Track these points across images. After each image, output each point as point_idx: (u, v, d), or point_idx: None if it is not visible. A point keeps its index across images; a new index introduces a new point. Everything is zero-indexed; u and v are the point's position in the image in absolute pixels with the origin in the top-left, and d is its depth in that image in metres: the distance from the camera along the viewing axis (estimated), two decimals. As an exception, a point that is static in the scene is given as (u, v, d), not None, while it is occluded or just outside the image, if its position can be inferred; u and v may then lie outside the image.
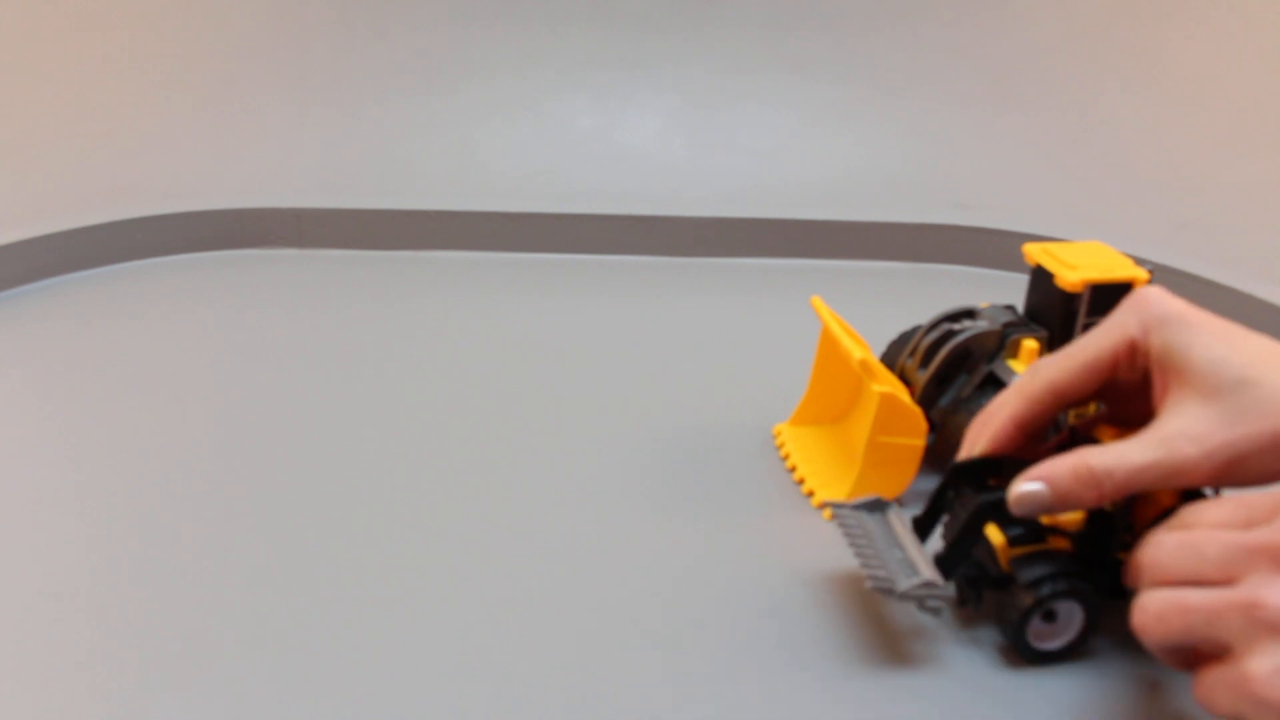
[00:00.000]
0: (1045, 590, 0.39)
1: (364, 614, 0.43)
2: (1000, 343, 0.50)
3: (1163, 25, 0.89)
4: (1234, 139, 0.87)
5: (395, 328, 0.69)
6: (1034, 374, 0.40)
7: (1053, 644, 0.40)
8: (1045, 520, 0.40)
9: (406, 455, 0.54)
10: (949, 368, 0.50)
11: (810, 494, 0.51)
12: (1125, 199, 0.86)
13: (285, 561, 0.46)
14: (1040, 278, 0.51)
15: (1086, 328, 0.49)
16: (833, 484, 0.51)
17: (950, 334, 0.51)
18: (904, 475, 0.50)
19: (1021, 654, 0.40)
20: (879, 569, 0.41)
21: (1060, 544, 0.40)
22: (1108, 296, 0.49)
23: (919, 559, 0.41)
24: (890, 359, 0.54)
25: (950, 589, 0.40)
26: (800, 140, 0.93)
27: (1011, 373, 0.49)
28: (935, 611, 0.40)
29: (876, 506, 0.45)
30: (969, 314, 0.52)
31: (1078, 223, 0.75)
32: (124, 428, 0.56)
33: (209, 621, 0.42)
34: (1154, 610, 0.32)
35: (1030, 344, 0.49)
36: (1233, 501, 0.33)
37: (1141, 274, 0.49)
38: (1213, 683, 0.31)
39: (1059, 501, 0.37)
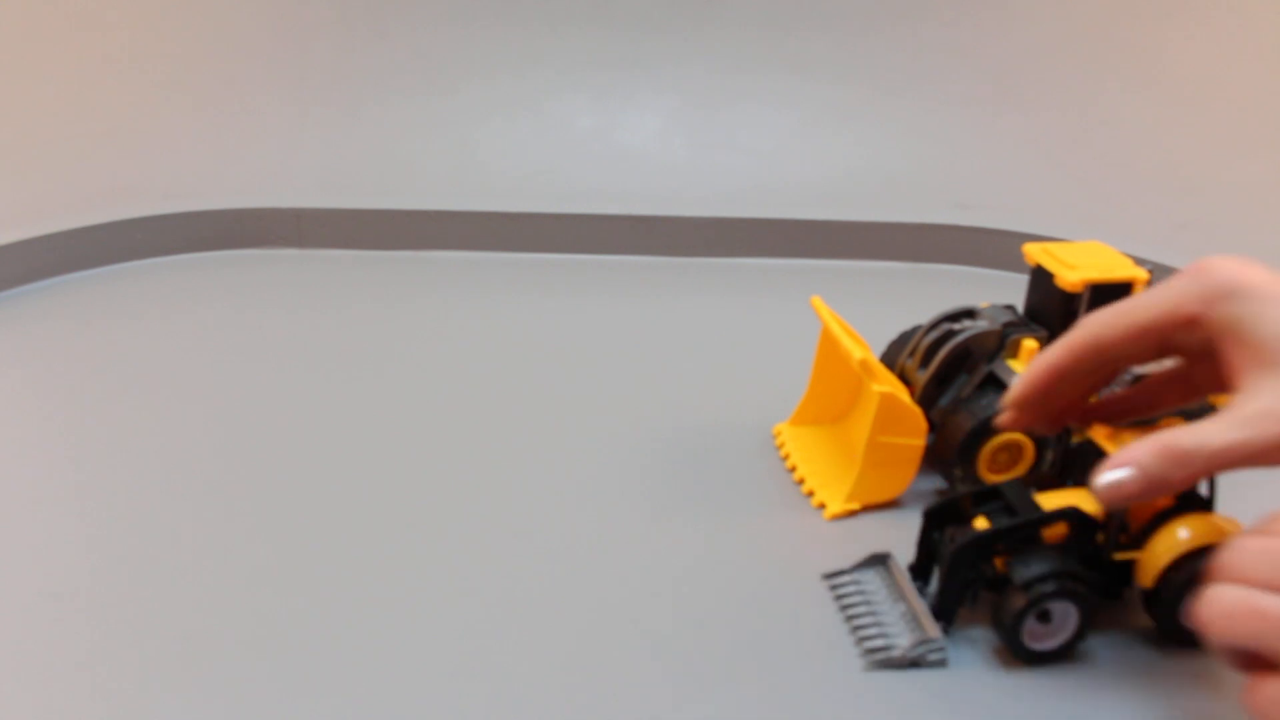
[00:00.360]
0: (1039, 590, 0.39)
1: (364, 614, 0.43)
2: (1000, 343, 0.50)
3: (1163, 25, 0.89)
4: (1234, 139, 0.87)
5: (395, 328, 0.69)
6: (1082, 326, 0.39)
7: (1047, 644, 0.40)
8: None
9: (407, 455, 0.54)
10: (949, 368, 0.50)
11: (810, 494, 0.51)
12: (1125, 199, 0.86)
13: (285, 561, 0.46)
14: (1040, 278, 0.51)
15: None
16: (833, 484, 0.51)
17: (950, 334, 0.51)
18: (904, 475, 0.50)
19: (1016, 654, 0.40)
20: (876, 638, 0.41)
21: (1054, 541, 0.40)
22: (1108, 296, 0.49)
23: (921, 612, 0.41)
24: (890, 359, 0.54)
25: (944, 642, 0.40)
26: (800, 140, 0.93)
27: (1011, 373, 0.49)
28: (939, 664, 0.40)
29: (876, 561, 0.44)
30: (969, 314, 0.52)
31: (1078, 223, 0.75)
32: (124, 428, 0.56)
33: (209, 621, 0.42)
34: (1224, 606, 0.31)
35: (1030, 344, 0.49)
36: None
37: (1141, 274, 0.49)
38: (1273, 695, 0.30)
39: (1148, 485, 0.35)
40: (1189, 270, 0.36)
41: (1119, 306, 0.38)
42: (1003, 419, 0.42)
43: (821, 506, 0.50)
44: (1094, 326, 0.38)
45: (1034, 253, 0.51)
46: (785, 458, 0.54)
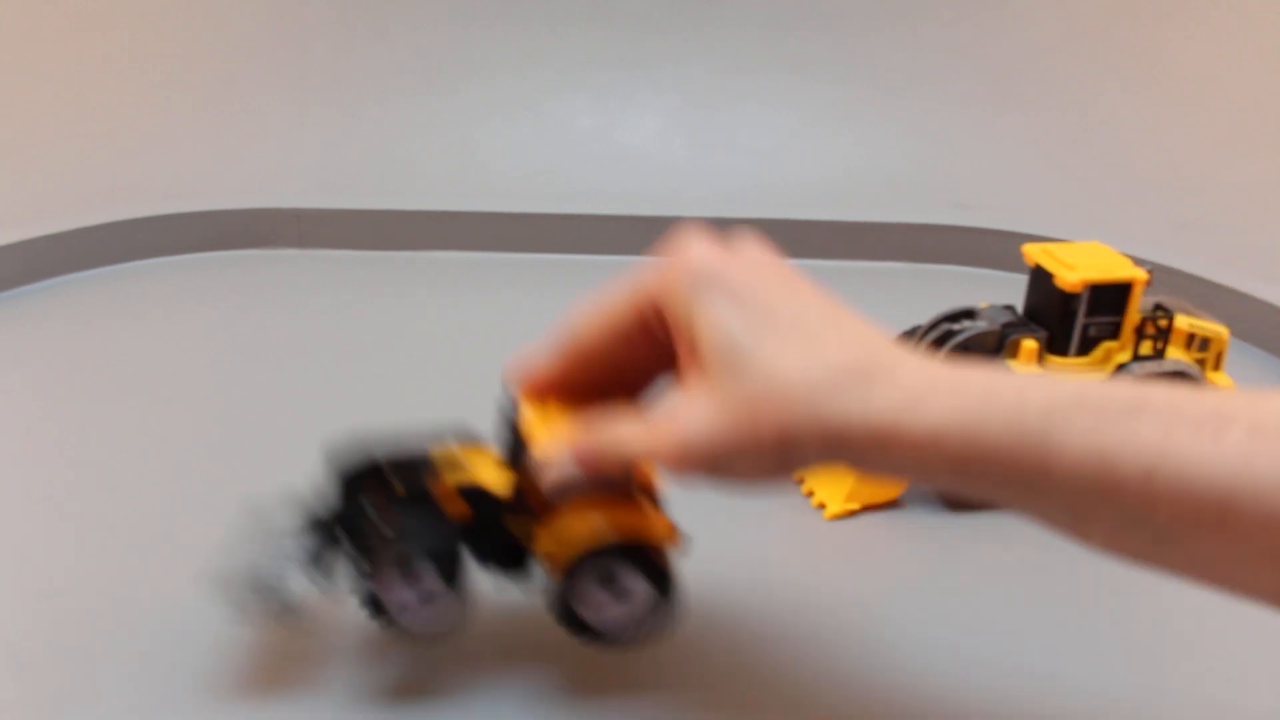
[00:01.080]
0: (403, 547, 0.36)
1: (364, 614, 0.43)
2: (1000, 343, 0.50)
3: (1163, 25, 0.89)
4: (1234, 139, 0.87)
5: (395, 328, 0.69)
6: (568, 330, 0.36)
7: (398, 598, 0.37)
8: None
9: (406, 455, 0.54)
10: None
11: (810, 494, 0.51)
12: (1125, 199, 0.86)
13: (285, 561, 0.46)
14: (1040, 278, 0.51)
15: (1086, 328, 0.49)
16: (833, 484, 0.51)
17: (950, 334, 0.51)
18: None
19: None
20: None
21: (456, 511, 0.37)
22: (1107, 296, 0.49)
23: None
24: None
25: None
26: (800, 140, 0.93)
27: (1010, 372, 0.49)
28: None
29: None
30: (969, 314, 0.52)
31: (1078, 223, 0.75)
32: (124, 427, 0.56)
33: (209, 621, 0.42)
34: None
35: (1030, 344, 0.49)
36: None
37: (1141, 274, 0.49)
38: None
39: (584, 477, 0.34)
40: (665, 257, 0.34)
41: (588, 310, 0.35)
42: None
43: (821, 506, 0.50)
44: (571, 331, 0.36)
45: (1034, 253, 0.51)
46: None
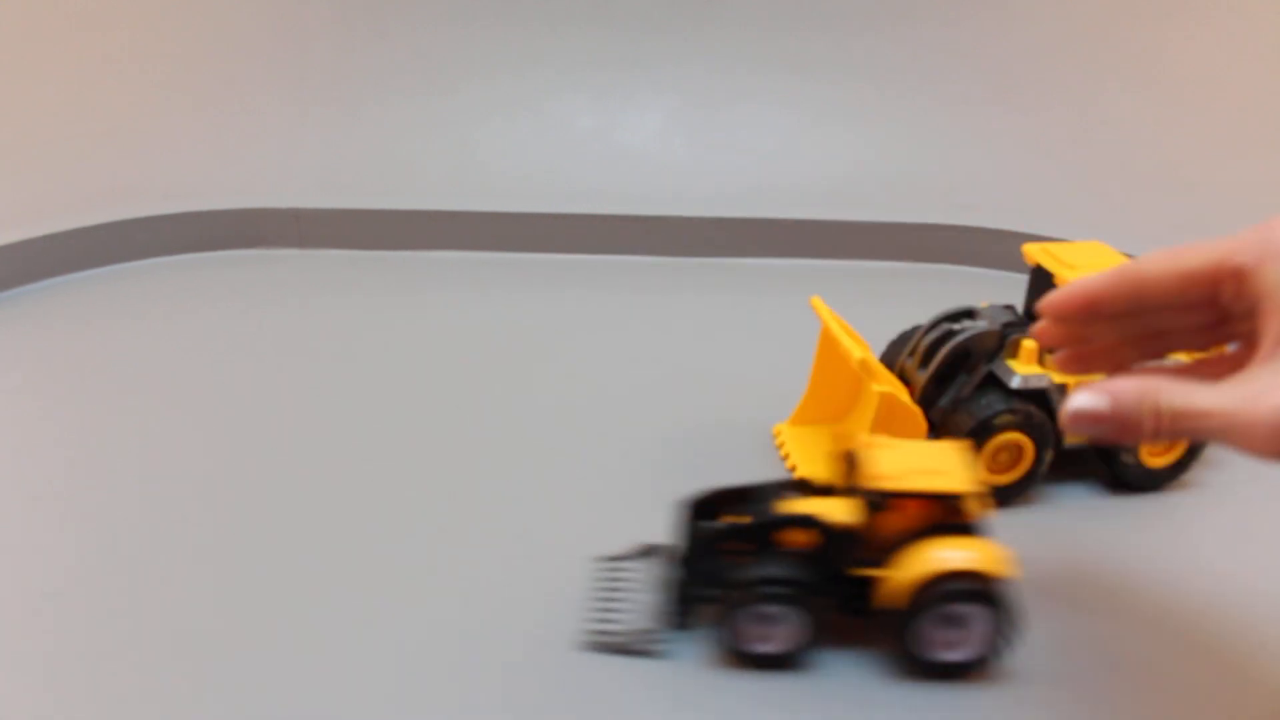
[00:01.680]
0: (756, 591, 0.38)
1: (364, 614, 0.43)
2: (1000, 343, 0.50)
3: (1163, 25, 0.89)
4: (1234, 139, 0.87)
5: (395, 328, 0.69)
6: (1134, 260, 0.36)
7: (766, 648, 0.39)
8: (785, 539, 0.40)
9: (407, 455, 0.54)
10: (949, 367, 0.50)
11: None
12: (1125, 199, 0.86)
13: (285, 560, 0.46)
14: (1040, 278, 0.51)
15: None
16: None
17: (950, 334, 0.51)
18: None
19: (729, 651, 0.40)
20: (604, 623, 0.41)
21: (798, 547, 0.39)
22: None
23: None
24: (890, 359, 0.54)
25: (665, 634, 0.40)
26: (800, 140, 0.93)
27: (1011, 372, 0.49)
28: (654, 654, 0.40)
29: (651, 552, 0.44)
30: (969, 314, 0.52)
31: (1078, 223, 0.75)
32: (124, 427, 0.56)
33: (209, 621, 0.42)
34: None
35: (1030, 344, 0.49)
36: None
37: None
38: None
39: (1115, 419, 0.32)
40: (1258, 226, 0.33)
41: (1178, 248, 0.35)
42: (1034, 328, 0.39)
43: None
44: (1143, 260, 0.35)
45: (1034, 253, 0.51)
46: (785, 458, 0.54)
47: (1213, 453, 0.54)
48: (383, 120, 0.93)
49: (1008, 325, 0.51)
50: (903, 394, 0.48)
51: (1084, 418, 0.32)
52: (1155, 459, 0.51)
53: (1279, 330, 0.31)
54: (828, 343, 0.54)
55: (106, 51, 0.90)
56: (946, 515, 0.39)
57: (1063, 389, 0.49)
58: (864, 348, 0.50)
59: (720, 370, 0.64)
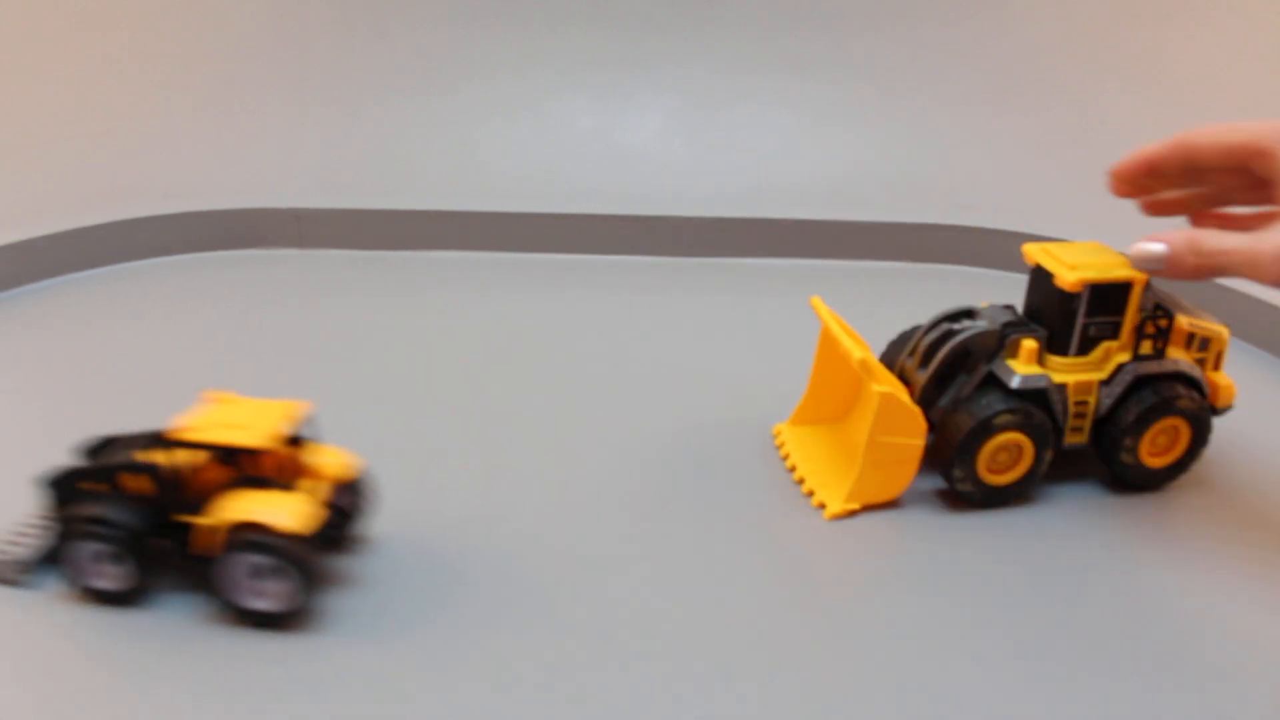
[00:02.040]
0: (86, 529, 0.41)
1: (363, 613, 0.43)
2: (1000, 343, 0.50)
3: (1163, 25, 0.89)
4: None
5: (395, 328, 0.69)
6: (1180, 133, 0.46)
7: (104, 583, 0.42)
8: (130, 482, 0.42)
9: (406, 455, 0.54)
10: (948, 368, 0.50)
11: (810, 494, 0.51)
12: (1125, 199, 0.86)
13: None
14: (1040, 277, 0.51)
15: (1086, 328, 0.49)
16: (833, 484, 0.51)
17: (950, 334, 0.51)
18: (904, 475, 0.50)
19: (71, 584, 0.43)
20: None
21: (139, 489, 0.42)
22: (1107, 296, 0.49)
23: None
24: (890, 359, 0.54)
25: (21, 564, 0.43)
26: (800, 140, 0.93)
27: (1011, 372, 0.49)
28: (11, 582, 0.44)
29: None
30: (969, 314, 0.52)
31: (1078, 223, 0.75)
32: (123, 428, 0.56)
33: (209, 620, 0.42)
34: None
35: (1030, 344, 0.49)
36: None
37: (1140, 274, 0.49)
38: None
39: (1168, 259, 0.42)
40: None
41: (1216, 125, 0.45)
42: (1107, 185, 0.49)
43: (821, 506, 0.50)
44: (1190, 133, 0.45)
45: (1034, 253, 0.51)
46: (785, 458, 0.54)
47: (1212, 452, 0.54)
48: (383, 120, 0.93)
49: (1008, 325, 0.50)
50: (903, 394, 0.48)
51: (1145, 257, 0.43)
52: (1155, 459, 0.51)
53: None
54: (828, 343, 0.54)
55: (106, 51, 0.90)
56: (247, 469, 0.43)
57: (1062, 389, 0.49)
58: (864, 348, 0.50)
59: (720, 370, 0.64)
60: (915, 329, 0.54)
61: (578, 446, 0.55)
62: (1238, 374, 0.54)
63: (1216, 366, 0.52)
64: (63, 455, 0.45)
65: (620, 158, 0.92)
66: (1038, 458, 0.50)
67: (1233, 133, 0.44)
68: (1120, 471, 0.51)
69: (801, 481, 0.52)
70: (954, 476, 0.49)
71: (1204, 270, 0.41)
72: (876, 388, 0.47)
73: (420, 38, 0.93)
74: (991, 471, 0.50)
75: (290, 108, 0.92)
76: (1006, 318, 0.51)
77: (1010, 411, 0.48)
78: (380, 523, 0.48)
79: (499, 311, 0.72)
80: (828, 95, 0.94)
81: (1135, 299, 0.49)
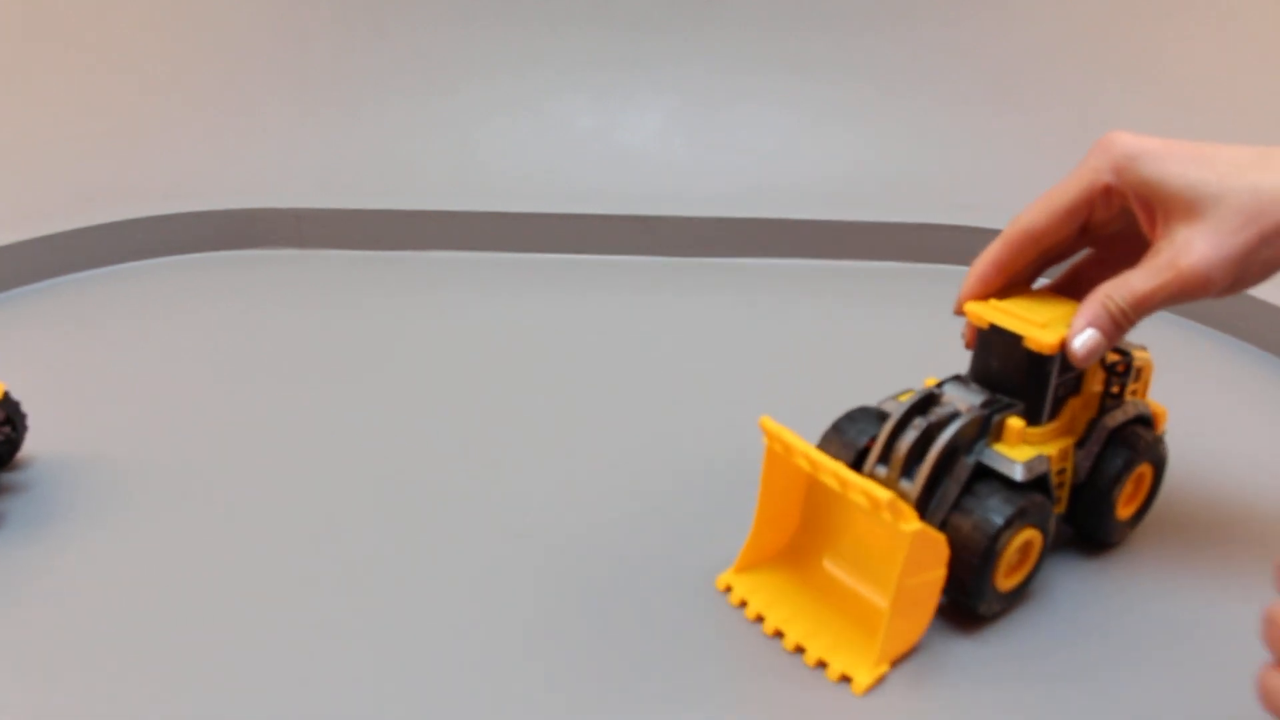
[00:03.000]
0: None
1: (359, 615, 0.43)
2: (982, 428, 0.43)
3: (1163, 25, 0.89)
4: (1234, 139, 0.87)
5: (395, 328, 0.69)
6: (1014, 221, 0.44)
7: None
8: None
9: (406, 455, 0.54)
10: (939, 469, 0.42)
11: (821, 665, 0.41)
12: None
13: (283, 561, 0.46)
14: (996, 340, 0.44)
15: (1055, 389, 0.43)
16: (845, 646, 0.41)
17: (931, 432, 0.42)
18: (927, 611, 0.41)
19: None
20: None
21: None
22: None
23: None
24: (840, 455, 0.44)
25: None
26: (800, 140, 0.93)
27: (1011, 462, 0.42)
28: None
29: None
30: (931, 399, 0.44)
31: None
32: (123, 428, 0.56)
33: (208, 621, 0.42)
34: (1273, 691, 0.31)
35: (1016, 422, 0.42)
36: None
37: None
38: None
39: (1109, 341, 0.40)
40: (1094, 148, 0.41)
41: (1042, 197, 0.43)
42: (956, 308, 0.45)
43: (844, 679, 0.40)
44: (1025, 217, 0.43)
45: (985, 313, 0.44)
46: (759, 620, 0.43)
47: (1212, 458, 0.54)
48: (383, 120, 0.93)
49: (985, 406, 0.43)
50: (925, 527, 0.39)
51: (1090, 351, 0.40)
52: (1125, 510, 0.47)
53: (1160, 213, 0.40)
54: (777, 468, 0.43)
55: (106, 51, 0.90)
56: None
57: (1048, 460, 0.43)
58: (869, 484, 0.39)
59: (720, 370, 0.64)
60: (854, 419, 0.45)
61: (577, 446, 0.55)
62: (1238, 374, 0.53)
63: (1146, 393, 0.48)
64: (63, 456, 0.45)
65: (620, 158, 0.92)
66: (1045, 546, 0.43)
67: (1064, 192, 0.42)
68: (1101, 534, 0.46)
69: (802, 651, 0.41)
70: (975, 597, 0.41)
71: (1137, 319, 0.40)
72: (906, 528, 0.38)
73: (420, 38, 0.93)
74: (1005, 577, 0.42)
75: (290, 108, 0.92)
76: (975, 395, 0.44)
77: (1022, 511, 0.41)
78: (378, 522, 0.48)
79: (499, 311, 0.72)
80: (828, 95, 0.94)
81: None
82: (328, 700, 0.38)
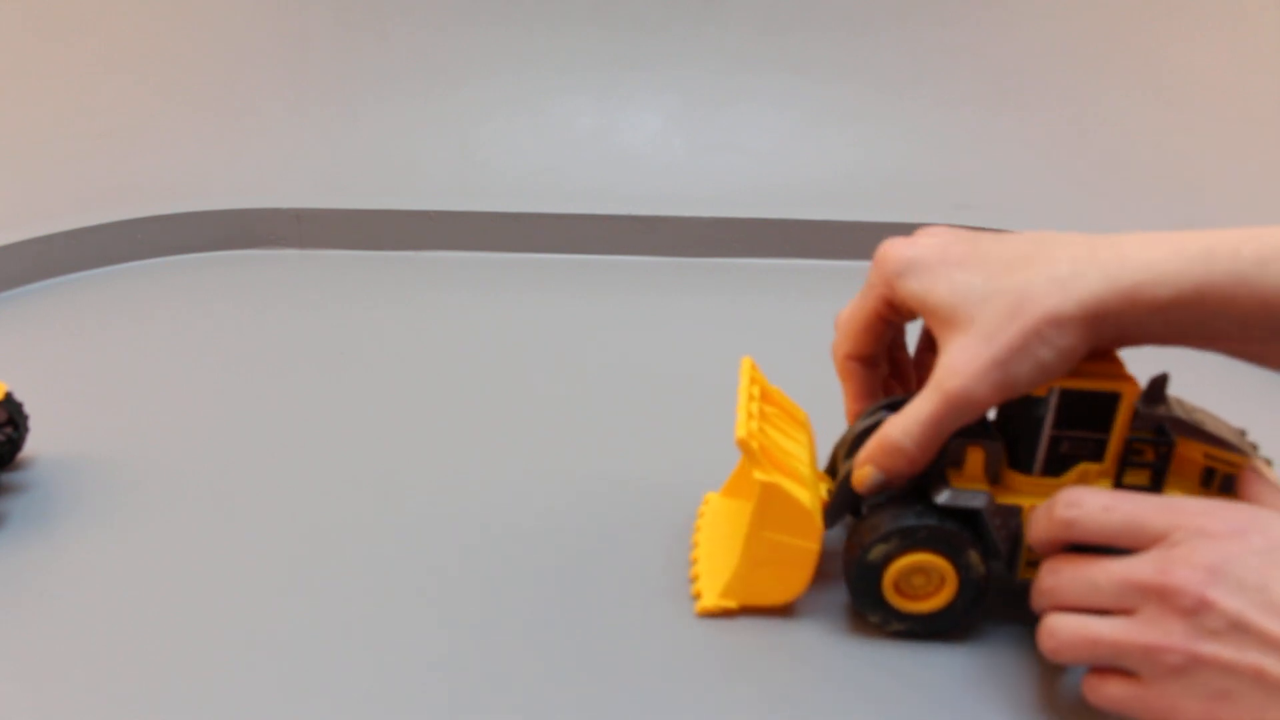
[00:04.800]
0: None
1: (359, 614, 0.43)
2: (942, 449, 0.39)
3: (1163, 25, 0.89)
4: (1234, 139, 0.87)
5: (395, 328, 0.69)
6: (834, 350, 0.43)
7: None
8: None
9: (405, 456, 0.54)
10: None
11: (694, 579, 0.44)
12: (1125, 199, 0.86)
13: (282, 560, 0.46)
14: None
15: (1056, 442, 0.38)
16: (716, 574, 0.43)
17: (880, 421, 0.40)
18: (793, 579, 0.41)
19: None
20: None
21: None
22: (1086, 407, 0.38)
23: None
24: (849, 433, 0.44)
25: None
26: (800, 140, 0.93)
27: (943, 486, 0.39)
28: None
29: None
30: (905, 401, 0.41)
31: (1077, 223, 0.75)
32: (123, 428, 0.56)
33: (208, 621, 0.42)
34: (1063, 638, 0.34)
35: (978, 453, 0.39)
36: (1123, 508, 0.34)
37: (1129, 386, 0.37)
38: (1112, 692, 0.33)
39: (891, 477, 0.38)
40: (873, 263, 0.40)
41: (842, 316, 0.43)
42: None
43: (697, 596, 0.42)
44: (836, 342, 0.43)
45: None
46: (696, 531, 0.47)
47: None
48: (383, 120, 0.93)
49: (962, 429, 0.39)
50: (794, 487, 0.39)
51: (870, 488, 0.39)
52: None
53: (935, 326, 0.38)
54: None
55: (106, 52, 0.90)
56: None
57: (1013, 513, 0.39)
58: (790, 420, 0.42)
59: (719, 370, 0.64)
60: (878, 409, 0.43)
61: (575, 446, 0.55)
62: (1238, 374, 0.53)
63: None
64: (62, 456, 0.45)
65: (620, 158, 0.92)
66: (963, 587, 0.39)
67: (856, 312, 0.42)
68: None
69: (694, 562, 0.44)
70: (854, 597, 0.40)
71: (924, 457, 0.37)
72: (759, 475, 0.39)
73: (420, 38, 0.93)
74: (903, 595, 0.40)
75: (290, 108, 0.92)
76: None
77: (924, 529, 0.38)
78: (378, 521, 0.48)
79: (499, 311, 0.72)
80: (827, 96, 0.94)
81: (1124, 416, 0.37)
82: (328, 700, 0.38)
